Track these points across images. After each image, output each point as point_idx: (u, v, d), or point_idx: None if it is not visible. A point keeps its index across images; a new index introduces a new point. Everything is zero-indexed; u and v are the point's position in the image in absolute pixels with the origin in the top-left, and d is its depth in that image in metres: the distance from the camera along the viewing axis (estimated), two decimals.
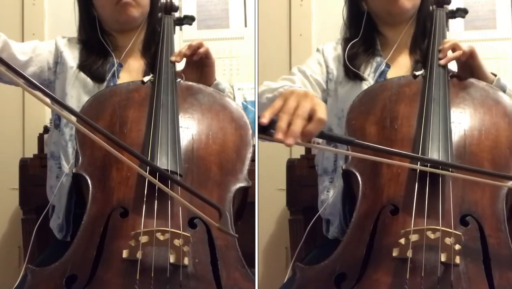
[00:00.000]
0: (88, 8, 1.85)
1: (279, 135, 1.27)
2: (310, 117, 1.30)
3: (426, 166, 1.43)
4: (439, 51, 1.70)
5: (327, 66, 1.86)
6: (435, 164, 1.44)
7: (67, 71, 1.82)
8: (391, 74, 1.80)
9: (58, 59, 1.84)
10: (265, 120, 1.28)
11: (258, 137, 1.37)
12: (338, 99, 1.83)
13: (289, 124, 1.28)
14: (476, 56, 1.68)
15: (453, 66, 1.73)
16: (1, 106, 2.61)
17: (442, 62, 1.68)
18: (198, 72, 1.77)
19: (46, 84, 1.82)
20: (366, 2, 1.85)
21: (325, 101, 1.84)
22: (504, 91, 1.69)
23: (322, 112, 1.31)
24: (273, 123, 1.28)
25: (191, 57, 1.75)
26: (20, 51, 1.82)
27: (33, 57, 1.83)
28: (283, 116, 1.29)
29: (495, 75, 1.73)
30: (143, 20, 1.85)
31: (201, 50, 1.74)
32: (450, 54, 1.69)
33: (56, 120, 1.83)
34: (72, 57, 1.84)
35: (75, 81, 1.81)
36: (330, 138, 1.39)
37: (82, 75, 1.81)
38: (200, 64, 1.77)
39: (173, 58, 1.74)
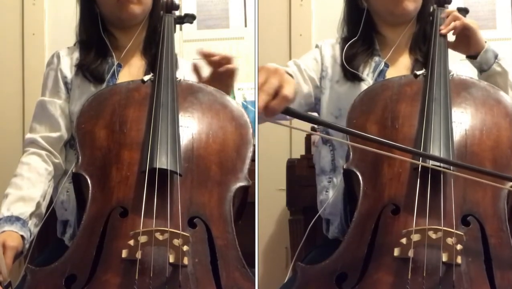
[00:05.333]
0: (90, 5, 1.84)
1: None
2: (277, 93, 1.30)
3: (427, 163, 1.42)
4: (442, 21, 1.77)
5: (322, 64, 1.87)
6: (436, 160, 1.43)
7: (74, 82, 1.82)
8: (390, 73, 1.79)
9: (67, 80, 1.82)
10: None
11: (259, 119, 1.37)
12: (335, 98, 1.83)
13: None
14: (470, 27, 1.73)
15: (453, 68, 1.74)
16: (1, 106, 2.61)
17: (443, 31, 1.74)
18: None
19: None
20: (367, 1, 1.84)
21: (318, 98, 1.85)
22: (496, 56, 1.73)
23: (288, 89, 1.30)
24: None
25: (218, 66, 1.71)
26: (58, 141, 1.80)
27: (64, 123, 1.81)
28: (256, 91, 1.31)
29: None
30: (145, 18, 1.84)
31: (231, 66, 1.71)
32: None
33: (72, 140, 1.81)
34: (71, 67, 1.83)
35: (81, 84, 1.81)
36: (294, 115, 1.37)
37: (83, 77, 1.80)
38: (221, 79, 1.72)
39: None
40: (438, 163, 1.42)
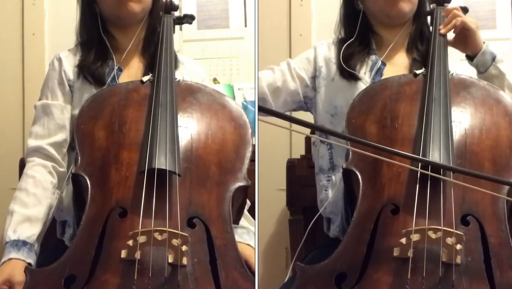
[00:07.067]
0: (90, 4, 1.83)
1: None
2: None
3: (427, 168, 1.42)
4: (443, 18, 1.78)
5: (315, 63, 1.88)
6: (436, 166, 1.43)
7: (75, 85, 1.80)
8: (387, 71, 1.80)
9: (71, 83, 1.80)
10: None
11: (259, 116, 1.37)
12: (331, 96, 1.83)
13: None
14: (469, 26, 1.73)
15: (453, 67, 1.74)
16: (1, 106, 2.61)
17: (442, 31, 1.75)
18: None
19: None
20: (363, 3, 1.85)
21: (309, 97, 1.88)
22: (494, 58, 1.73)
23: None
24: None
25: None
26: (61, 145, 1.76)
27: (67, 125, 1.77)
28: None
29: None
30: (144, 16, 1.84)
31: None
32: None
33: (73, 143, 1.76)
34: (73, 69, 1.81)
35: (82, 86, 1.80)
36: (269, 112, 1.38)
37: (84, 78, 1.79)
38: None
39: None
40: (436, 168, 1.42)
